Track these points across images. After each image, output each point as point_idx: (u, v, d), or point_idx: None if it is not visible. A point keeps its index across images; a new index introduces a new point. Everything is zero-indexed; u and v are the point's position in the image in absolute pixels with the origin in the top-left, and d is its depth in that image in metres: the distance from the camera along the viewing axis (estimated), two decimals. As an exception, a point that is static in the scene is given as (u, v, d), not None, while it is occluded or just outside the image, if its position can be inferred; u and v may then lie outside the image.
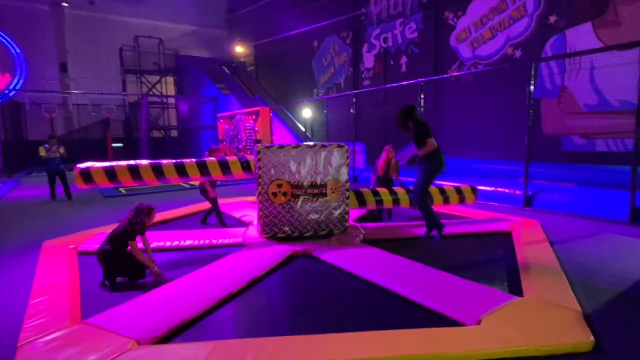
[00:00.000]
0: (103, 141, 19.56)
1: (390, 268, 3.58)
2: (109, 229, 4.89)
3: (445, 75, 11.12)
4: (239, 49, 21.33)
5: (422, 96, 7.96)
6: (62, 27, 19.48)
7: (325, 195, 4.65)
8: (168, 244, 4.60)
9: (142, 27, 20.98)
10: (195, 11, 22.45)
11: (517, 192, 6.47)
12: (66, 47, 19.60)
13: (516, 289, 3.13)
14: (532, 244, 4.22)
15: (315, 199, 4.63)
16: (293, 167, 4.56)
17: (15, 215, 6.89)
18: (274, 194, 4.55)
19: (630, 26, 8.09)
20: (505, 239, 4.58)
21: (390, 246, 4.33)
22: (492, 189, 6.85)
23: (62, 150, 8.20)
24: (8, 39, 18.55)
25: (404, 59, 13.25)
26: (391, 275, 3.40)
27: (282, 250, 4.13)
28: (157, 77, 21.23)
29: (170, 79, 22.03)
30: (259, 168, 4.53)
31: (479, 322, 2.54)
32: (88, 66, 20.41)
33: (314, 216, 4.66)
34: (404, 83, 9.71)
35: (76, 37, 19.87)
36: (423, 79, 8.10)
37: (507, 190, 6.67)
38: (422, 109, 7.95)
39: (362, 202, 5.08)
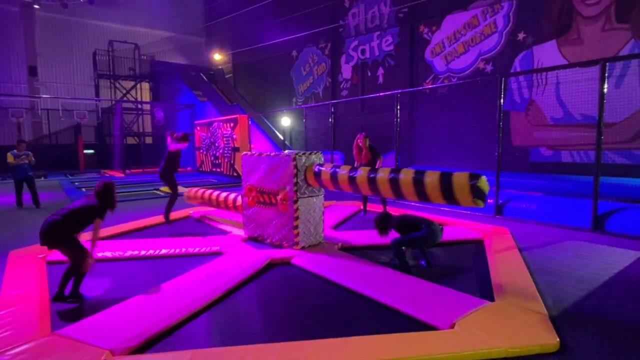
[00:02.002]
0: (74, 147, 18.93)
1: (367, 275, 3.64)
2: (80, 239, 4.75)
3: (420, 88, 11.45)
4: (217, 57, 21.23)
5: (398, 107, 8.17)
6: (33, 30, 18.84)
7: (275, 204, 4.64)
8: (142, 252, 4.50)
9: (118, 32, 20.59)
10: (172, 17, 22.23)
11: (489, 200, 6.71)
12: (36, 50, 18.95)
13: (488, 294, 3.25)
14: (502, 250, 4.39)
15: (270, 207, 4.76)
16: (257, 173, 4.89)
17: (-23, 223, 6.55)
18: (248, 197, 5.08)
19: (591, 44, 8.63)
20: (477, 246, 4.74)
21: (367, 254, 4.41)
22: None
23: (31, 157, 7.89)
24: (-27, 39, 17.78)
25: (380, 71, 13.57)
26: (368, 282, 3.46)
27: (261, 258, 4.13)
28: (132, 83, 20.81)
29: (145, 85, 21.63)
30: (244, 173, 5.12)
31: (452, 326, 2.63)
32: (59, 70, 19.79)
33: (272, 224, 4.78)
34: (381, 94, 9.94)
35: (47, 40, 19.27)
36: (399, 91, 8.34)
37: (479, 199, 6.91)
38: (397, 120, 8.16)
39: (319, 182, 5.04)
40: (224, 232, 5.49)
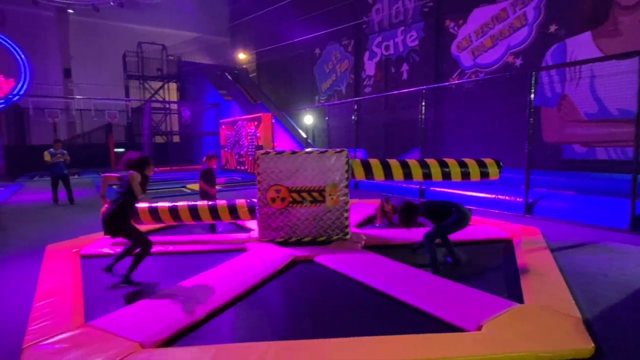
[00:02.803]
0: (105, 146, 19.68)
1: (391, 274, 3.59)
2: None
3: (447, 84, 11.20)
4: (242, 56, 21.50)
5: (423, 103, 8.02)
6: (67, 33, 19.68)
7: (323, 200, 4.67)
8: (171, 248, 4.62)
9: (146, 34, 21.19)
10: (198, 18, 22.68)
11: (518, 199, 6.50)
12: (70, 53, 19.80)
13: (517, 296, 3.14)
14: (532, 251, 4.24)
15: (313, 204, 4.67)
16: (291, 172, 4.63)
17: (18, 219, 6.92)
18: (273, 199, 4.64)
19: (630, 35, 8.18)
20: (506, 246, 4.59)
21: (391, 252, 4.35)
22: (493, 196, 6.88)
23: (66, 155, 8.26)
24: (13, 44, 18.75)
25: (405, 67, 13.36)
26: (393, 281, 3.42)
27: (284, 255, 4.15)
28: (160, 83, 21.39)
29: (173, 85, 22.19)
30: (259, 174, 4.65)
31: (479, 328, 2.55)
32: (91, 72, 20.59)
33: (312, 222, 4.69)
34: (405, 90, 9.79)
35: (80, 43, 20.08)
36: (424, 87, 8.18)
37: (507, 198, 6.69)
38: (422, 116, 8.01)
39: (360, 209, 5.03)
40: (248, 230, 5.55)
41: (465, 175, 4.90)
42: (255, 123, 13.05)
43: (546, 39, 9.60)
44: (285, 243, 4.65)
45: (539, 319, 2.66)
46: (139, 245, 3.64)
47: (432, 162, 4.92)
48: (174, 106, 21.15)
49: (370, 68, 14.64)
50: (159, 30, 21.77)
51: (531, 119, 6.13)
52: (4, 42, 18.63)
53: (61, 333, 2.56)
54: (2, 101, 17.26)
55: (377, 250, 4.38)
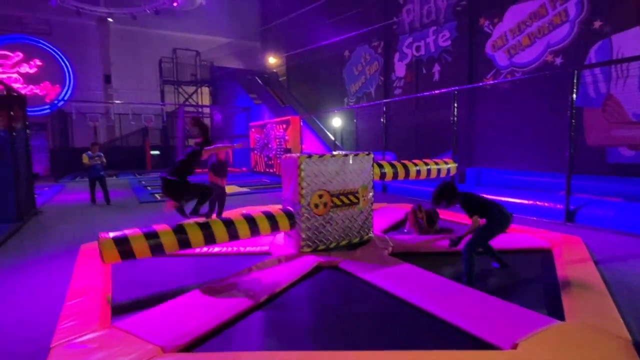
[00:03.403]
0: (142, 149, 20.47)
1: (420, 284, 3.44)
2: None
3: (481, 84, 10.80)
4: (272, 60, 21.78)
5: (455, 105, 7.74)
6: (107, 41, 20.68)
7: (357, 202, 4.68)
8: (197, 250, 4.67)
9: (181, 40, 21.91)
10: (230, 24, 23.21)
11: (558, 206, 6.11)
12: (110, 60, 20.77)
13: (557, 312, 2.91)
14: (574, 262, 3.94)
15: (349, 207, 4.64)
16: (332, 176, 4.54)
17: (58, 218, 7.26)
18: (316, 205, 4.42)
19: (686, 30, 7.55)
20: (544, 257, 4.30)
21: (420, 260, 4.18)
22: (531, 202, 6.51)
23: (103, 158, 8.60)
24: (59, 52, 19.90)
25: (436, 68, 13.02)
26: (421, 291, 3.26)
27: (309, 261, 4.08)
28: (194, 88, 22.03)
29: (205, 90, 22.80)
30: (302, 179, 4.34)
31: (515, 347, 2.37)
32: (129, 77, 21.51)
33: (347, 224, 4.67)
34: (436, 92, 9.50)
35: (120, 50, 21.04)
36: (456, 88, 7.89)
37: (547, 204, 6.31)
38: (454, 118, 7.73)
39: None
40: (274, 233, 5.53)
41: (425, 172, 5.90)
42: (284, 126, 13.13)
43: (589, 36, 9.05)
44: (324, 250, 4.47)
45: (581, 339, 2.43)
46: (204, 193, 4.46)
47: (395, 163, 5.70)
48: (207, 110, 21.72)
49: (400, 69, 14.39)
50: (193, 37, 22.46)
51: (573, 121, 5.75)
52: (50, 50, 19.80)
53: (88, 333, 2.60)
54: (48, 106, 18.33)
55: (405, 258, 4.22)
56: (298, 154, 4.44)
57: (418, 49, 13.59)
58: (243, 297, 3.21)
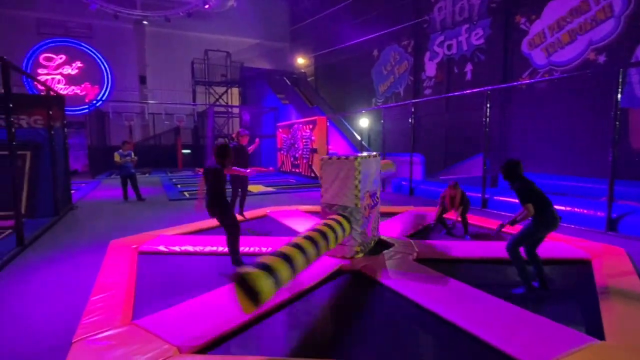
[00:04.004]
0: (174, 148, 21.07)
1: (445, 293, 3.28)
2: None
3: (516, 83, 10.35)
4: (300, 60, 21.87)
5: (488, 105, 7.42)
6: (143, 43, 21.44)
7: (377, 203, 4.70)
8: (220, 248, 4.69)
9: (212, 41, 22.38)
10: (260, 25, 23.48)
11: (599, 213, 5.72)
12: (146, 61, 21.52)
13: (596, 330, 2.68)
14: (616, 275, 3.64)
15: (373, 208, 4.58)
16: (371, 177, 4.57)
17: (92, 213, 7.54)
18: (365, 208, 4.45)
19: None
20: (583, 268, 4.02)
21: (446, 267, 4.00)
22: (569, 209, 6.13)
23: (133, 157, 8.81)
24: (99, 54, 20.82)
25: (469, 67, 12.61)
26: (447, 301, 3.11)
27: (331, 264, 4.00)
28: (224, 88, 22.45)
29: (235, 90, 23.18)
30: (357, 180, 4.22)
31: (548, 367, 2.19)
32: (163, 78, 22.19)
33: (373, 226, 4.67)
34: (468, 92, 9.17)
35: (154, 51, 21.76)
36: (489, 87, 7.57)
37: (586, 211, 5.92)
38: (486, 119, 7.42)
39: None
40: (296, 233, 5.48)
41: None
42: (311, 126, 13.11)
43: (637, 32, 8.46)
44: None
45: (625, 362, 2.22)
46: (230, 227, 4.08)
47: None
48: (236, 110, 22.07)
49: (430, 69, 14.05)
50: (224, 38, 22.88)
51: (617, 122, 5.36)
52: (91, 52, 20.75)
53: (108, 330, 2.64)
54: (87, 106, 19.20)
55: (431, 264, 4.06)
56: (356, 154, 4.28)
57: (450, 47, 13.22)
58: (262, 299, 3.17)
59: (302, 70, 22.19)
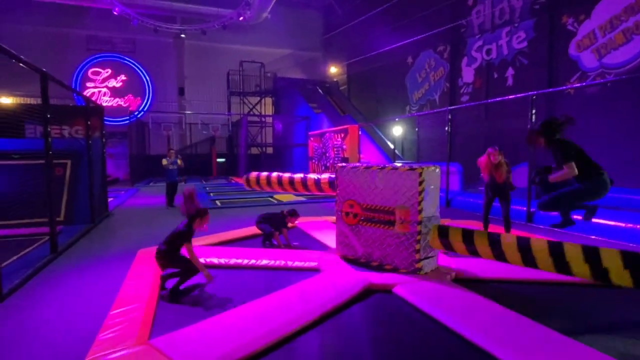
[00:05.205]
0: (209, 156, 21.57)
1: (486, 319, 2.91)
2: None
3: (564, 87, 9.65)
4: (333, 69, 21.85)
5: (534, 111, 6.90)
6: (182, 56, 22.26)
7: (393, 224, 4.10)
8: (245, 261, 4.54)
9: (247, 53, 22.88)
10: (293, 35, 23.76)
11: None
12: (184, 73, 22.31)
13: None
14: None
15: (383, 226, 4.19)
16: (365, 188, 4.37)
17: (126, 221, 7.68)
18: (347, 214, 4.56)
19: None
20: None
21: (488, 289, 3.61)
22: (629, 225, 5.49)
23: (179, 161, 9.18)
24: (141, 67, 21.82)
25: (510, 72, 11.97)
26: (486, 328, 2.75)
27: (358, 281, 3.73)
28: (258, 98, 22.82)
29: (269, 100, 23.50)
30: (337, 186, 4.69)
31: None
32: (200, 89, 22.91)
33: (380, 246, 4.24)
34: (510, 97, 8.62)
35: (192, 64, 22.53)
36: (533, 92, 7.04)
37: (648, 228, 5.27)
38: (532, 127, 6.89)
39: (446, 244, 4.09)
40: (325, 247, 5.26)
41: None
42: (342, 135, 12.91)
43: None
44: (356, 263, 4.42)
45: None
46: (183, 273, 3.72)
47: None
48: (269, 119, 22.33)
49: (468, 75, 13.48)
50: (258, 49, 23.33)
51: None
52: (134, 66, 21.79)
53: (122, 349, 2.51)
54: (127, 118, 20.12)
55: (471, 285, 3.68)
56: (422, 167, 3.99)
57: (489, 52, 12.63)
58: (284, 319, 2.95)
59: (335, 79, 22.15)
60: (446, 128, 9.19)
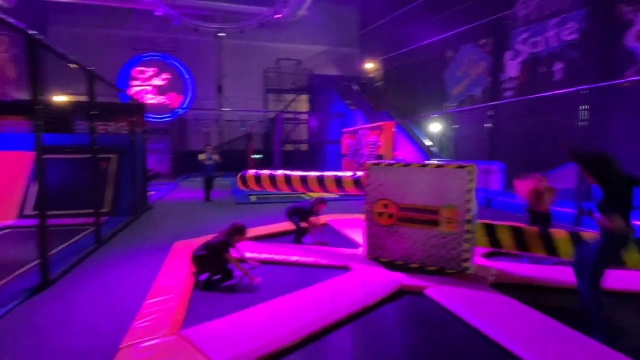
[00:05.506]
0: (245, 152, 22.04)
1: (525, 327, 2.73)
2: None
3: (620, 81, 8.92)
4: (369, 65, 21.57)
5: (586, 106, 6.41)
6: (221, 54, 22.82)
7: (437, 223, 3.94)
8: (276, 257, 4.57)
9: (283, 50, 23.07)
10: (330, 32, 23.68)
11: None
12: (222, 71, 22.88)
13: None
14: None
15: (425, 226, 4.01)
16: (402, 187, 4.14)
17: (165, 214, 7.97)
18: (380, 214, 4.30)
19: None
20: None
21: (529, 295, 3.40)
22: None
23: (216, 157, 9.52)
24: (183, 66, 22.62)
25: (558, 65, 11.23)
26: (525, 338, 2.57)
27: (390, 282, 3.63)
28: (293, 95, 22.98)
29: (304, 97, 23.60)
30: (367, 186, 4.40)
31: None
32: (238, 87, 23.39)
33: (422, 246, 4.03)
34: (559, 92, 8.09)
35: (230, 62, 23.05)
36: (585, 87, 6.53)
37: None
38: (583, 123, 6.42)
39: (493, 241, 4.02)
40: (356, 245, 5.18)
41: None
42: (377, 132, 12.70)
43: None
44: (391, 265, 4.16)
45: None
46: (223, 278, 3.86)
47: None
48: (304, 116, 22.44)
49: (512, 69, 12.81)
50: (294, 47, 23.46)
51: None
52: (176, 65, 22.61)
53: (155, 338, 2.59)
54: (168, 115, 20.93)
55: (511, 292, 3.47)
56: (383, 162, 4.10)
57: (535, 44, 11.93)
58: (313, 317, 2.93)
59: (371, 75, 21.86)
60: (487, 125, 8.78)
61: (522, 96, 11.70)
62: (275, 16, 19.98)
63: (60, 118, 6.91)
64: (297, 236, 5.35)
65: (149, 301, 3.22)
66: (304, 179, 6.37)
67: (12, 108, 7.77)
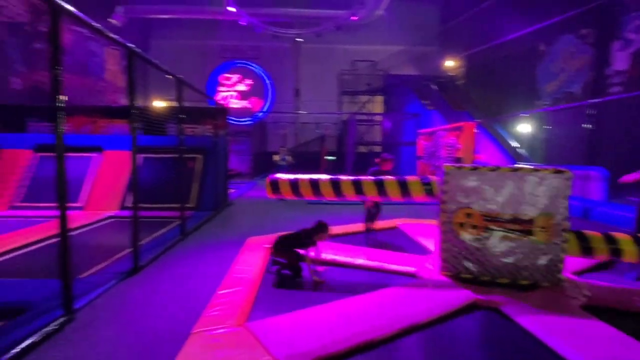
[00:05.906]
0: (319, 154, 22.50)
1: (619, 358, 2.34)
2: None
3: None
4: (449, 63, 20.55)
5: None
6: (298, 59, 23.62)
7: (530, 233, 3.59)
8: (342, 258, 4.56)
9: (358, 52, 23.07)
10: (408, 30, 23.06)
11: None
12: (300, 75, 23.66)
13: None
14: None
15: (516, 237, 3.63)
16: (488, 194, 3.71)
17: (243, 211, 8.47)
18: (461, 225, 3.80)
19: None
20: None
21: (627, 322, 2.91)
22: None
23: (289, 158, 9.99)
24: (264, 72, 23.88)
25: (682, 54, 9.52)
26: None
27: (461, 296, 3.38)
28: (367, 97, 22.85)
29: (379, 98, 23.33)
30: (444, 192, 3.86)
31: None
32: (314, 90, 23.98)
33: (511, 259, 3.66)
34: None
35: (307, 66, 23.75)
36: None
37: None
38: None
39: (586, 248, 3.59)
40: (427, 252, 4.94)
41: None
42: (456, 133, 11.99)
43: None
44: (471, 281, 3.74)
45: None
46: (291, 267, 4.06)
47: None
48: (378, 118, 22.17)
49: (621, 61, 11.18)
50: (370, 48, 23.31)
51: None
52: (258, 71, 23.96)
53: (222, 327, 2.74)
54: (249, 118, 22.25)
55: (605, 316, 3.01)
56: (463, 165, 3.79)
57: (652, 31, 10.26)
58: (375, 323, 2.85)
59: (451, 73, 20.78)
60: (587, 125, 7.76)
61: (633, 92, 10.13)
62: (352, 18, 20.07)
63: (156, 121, 7.73)
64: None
65: (221, 292, 3.43)
66: (357, 185, 5.03)
67: (119, 113, 8.92)
